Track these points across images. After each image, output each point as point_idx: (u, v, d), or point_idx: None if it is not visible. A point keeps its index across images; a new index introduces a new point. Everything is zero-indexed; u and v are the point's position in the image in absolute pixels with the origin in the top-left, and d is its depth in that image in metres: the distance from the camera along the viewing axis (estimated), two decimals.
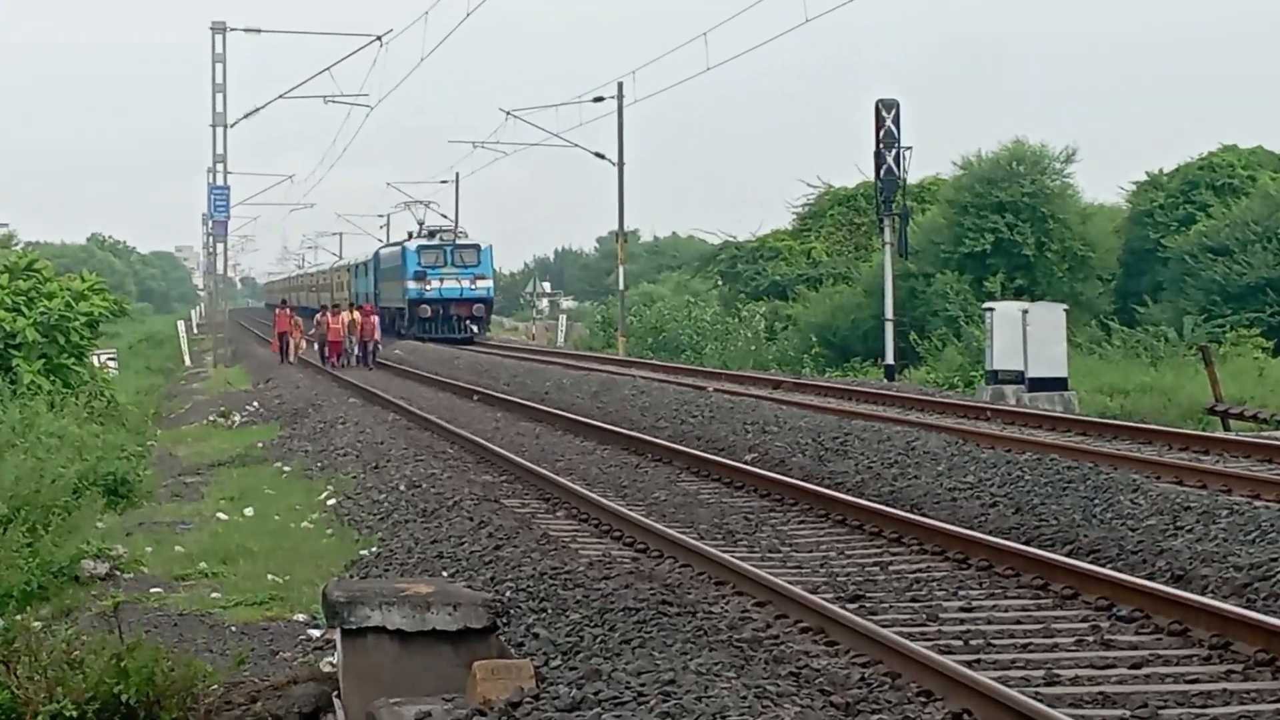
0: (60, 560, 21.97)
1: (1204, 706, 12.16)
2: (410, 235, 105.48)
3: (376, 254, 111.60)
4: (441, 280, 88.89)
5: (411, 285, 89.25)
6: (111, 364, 55.91)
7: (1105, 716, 11.74)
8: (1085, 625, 14.93)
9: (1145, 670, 13.28)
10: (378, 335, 72.00)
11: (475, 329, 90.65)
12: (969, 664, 13.03)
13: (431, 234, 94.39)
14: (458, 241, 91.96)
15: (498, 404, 43.12)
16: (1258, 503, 20.85)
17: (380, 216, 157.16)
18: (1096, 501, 21.02)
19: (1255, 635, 13.56)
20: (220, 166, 76.98)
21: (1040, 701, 11.58)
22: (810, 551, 19.36)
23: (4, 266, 43.84)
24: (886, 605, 16.05)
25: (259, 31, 76.32)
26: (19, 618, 17.53)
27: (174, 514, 27.47)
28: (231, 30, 74.99)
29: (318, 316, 72.77)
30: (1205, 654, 13.68)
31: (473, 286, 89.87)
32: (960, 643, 14.23)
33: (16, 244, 70.04)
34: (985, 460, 25.11)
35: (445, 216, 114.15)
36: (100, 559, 22.58)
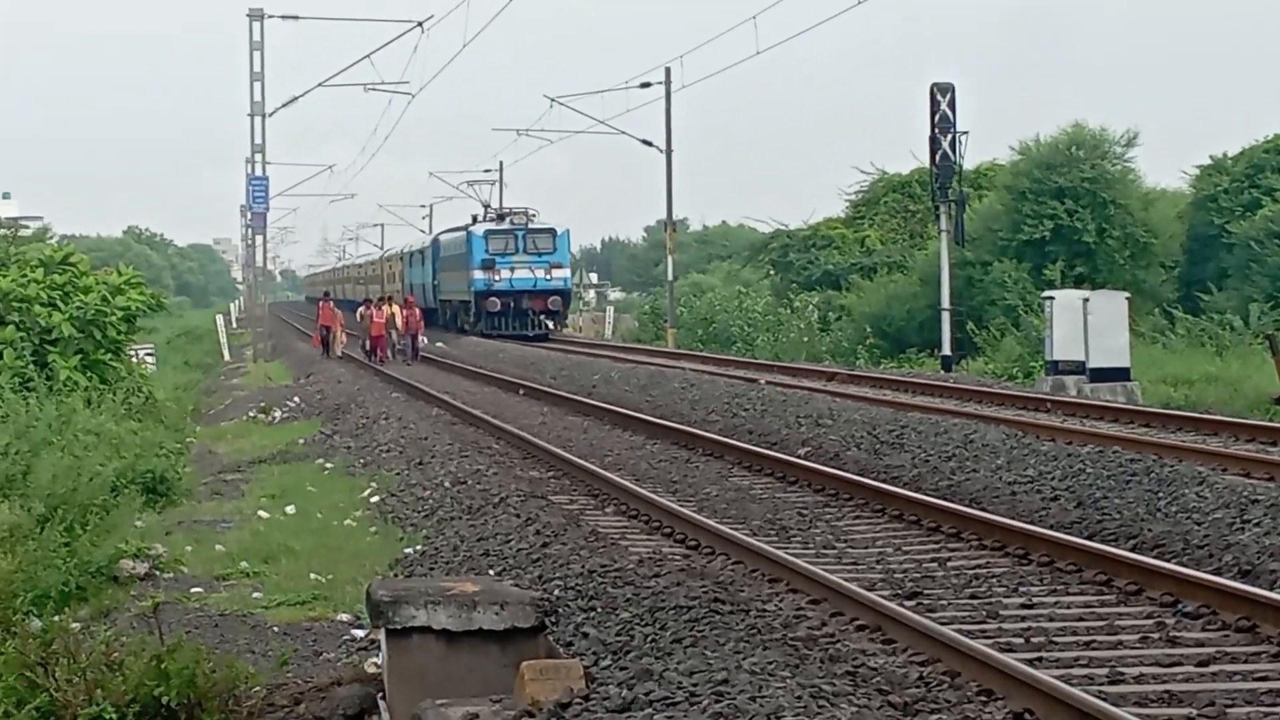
0: (98, 560, 22.05)
1: (1273, 705, 12.12)
2: (475, 219, 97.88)
3: (436, 240, 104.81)
4: (512, 270, 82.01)
5: (478, 275, 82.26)
6: (149, 359, 56.12)
7: (1171, 716, 11.70)
8: (1150, 622, 14.89)
9: (1212, 668, 13.24)
10: (421, 329, 72.20)
11: (551, 325, 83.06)
12: (1031, 662, 13.01)
13: (500, 217, 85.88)
14: (530, 225, 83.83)
15: (544, 398, 43.16)
16: None
17: (423, 207, 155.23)
18: (1161, 495, 20.97)
19: None
20: (259, 157, 76.98)
21: (1105, 700, 11.55)
22: (866, 547, 19.35)
23: (40, 260, 43.94)
24: (945, 602, 16.03)
25: (297, 18, 76.27)
26: (57, 619, 17.57)
27: (214, 512, 27.57)
28: (269, 17, 74.99)
29: (360, 310, 72.80)
30: (1275, 651, 13.64)
31: (548, 276, 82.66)
32: (1021, 640, 14.21)
33: (52, 238, 69.92)
34: (1045, 453, 25.07)
35: (488, 207, 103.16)
36: (139, 558, 22.68)
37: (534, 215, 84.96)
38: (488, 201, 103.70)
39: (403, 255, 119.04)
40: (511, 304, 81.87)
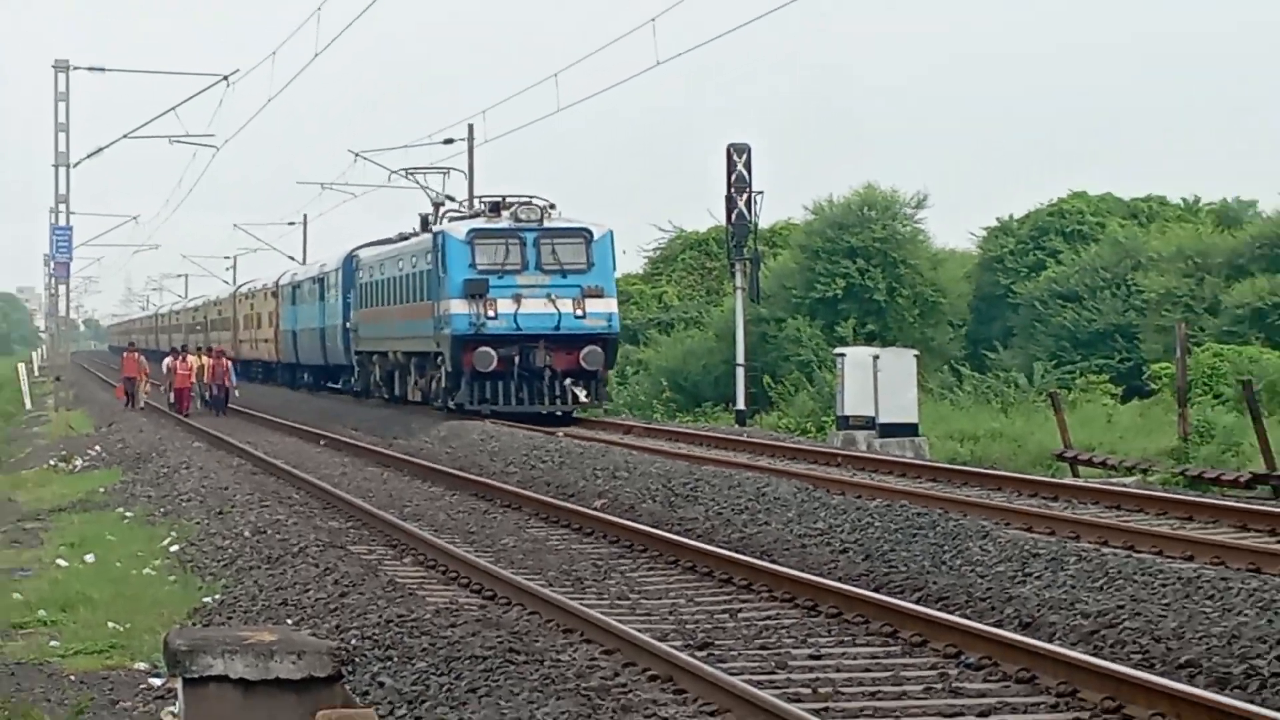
0: None
1: None
2: (431, 217, 61.02)
3: (350, 259, 68.01)
4: (519, 300, 46.79)
5: (458, 309, 46.76)
6: None
7: None
8: (934, 673, 15.02)
9: (993, 718, 13.39)
10: (231, 381, 68.16)
11: (583, 395, 48.05)
12: (817, 713, 13.09)
13: (495, 207, 49.90)
14: (547, 223, 48.21)
15: (344, 448, 43.08)
16: (1105, 549, 21.04)
17: (227, 258, 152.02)
18: (946, 548, 21.18)
19: (1103, 683, 13.68)
20: (63, 207, 76.46)
21: None
22: (659, 599, 19.40)
23: None
24: (735, 653, 16.08)
25: (103, 70, 76.22)
26: None
27: (12, 561, 27.20)
28: (75, 69, 74.82)
29: (166, 361, 71.62)
30: (1053, 701, 13.80)
31: (578, 312, 46.73)
32: (809, 690, 14.28)
33: None
34: (835, 506, 25.25)
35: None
36: None
37: (551, 207, 49.67)
38: (440, 197, 64.87)
39: (276, 289, 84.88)
40: (517, 359, 47.32)
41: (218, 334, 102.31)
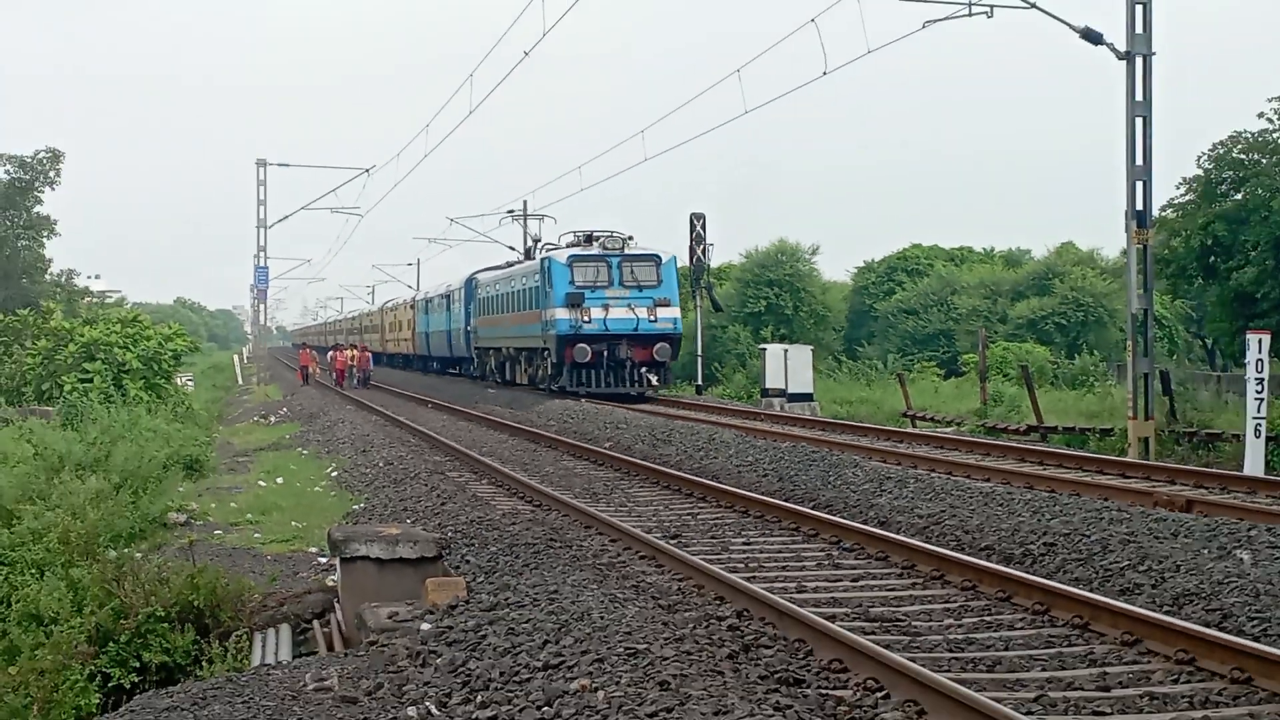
0: (154, 512, 21.89)
1: (898, 605, 12.29)
2: (533, 247, 59.73)
3: (471, 281, 62.66)
4: (607, 308, 44.62)
5: (562, 315, 44.43)
6: (189, 383, 55.39)
7: (835, 613, 11.82)
8: (822, 554, 15.02)
9: (861, 583, 13.39)
10: (370, 366, 67.63)
11: (654, 380, 45.44)
12: (748, 579, 13.11)
13: (589, 238, 47.09)
14: (628, 250, 45.93)
15: (444, 409, 42.88)
16: (933, 474, 21.03)
17: (368, 288, 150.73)
18: (830, 473, 21.15)
19: (931, 560, 13.72)
20: (262, 253, 76.70)
21: (792, 603, 11.66)
22: (646, 506, 19.35)
23: (119, 319, 44.35)
24: (695, 541, 16.07)
25: (288, 165, 76.74)
26: (126, 550, 17.36)
27: (230, 482, 27.21)
28: (270, 165, 75.49)
29: (330, 353, 71.79)
30: (899, 571, 13.82)
31: (651, 318, 44.75)
32: (743, 565, 14.30)
33: (127, 303, 69.55)
34: (760, 446, 25.19)
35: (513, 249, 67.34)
36: (180, 512, 22.50)
37: (629, 238, 46.78)
38: (538, 237, 61.29)
39: (413, 303, 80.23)
40: (605, 353, 44.85)
41: (369, 335, 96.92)
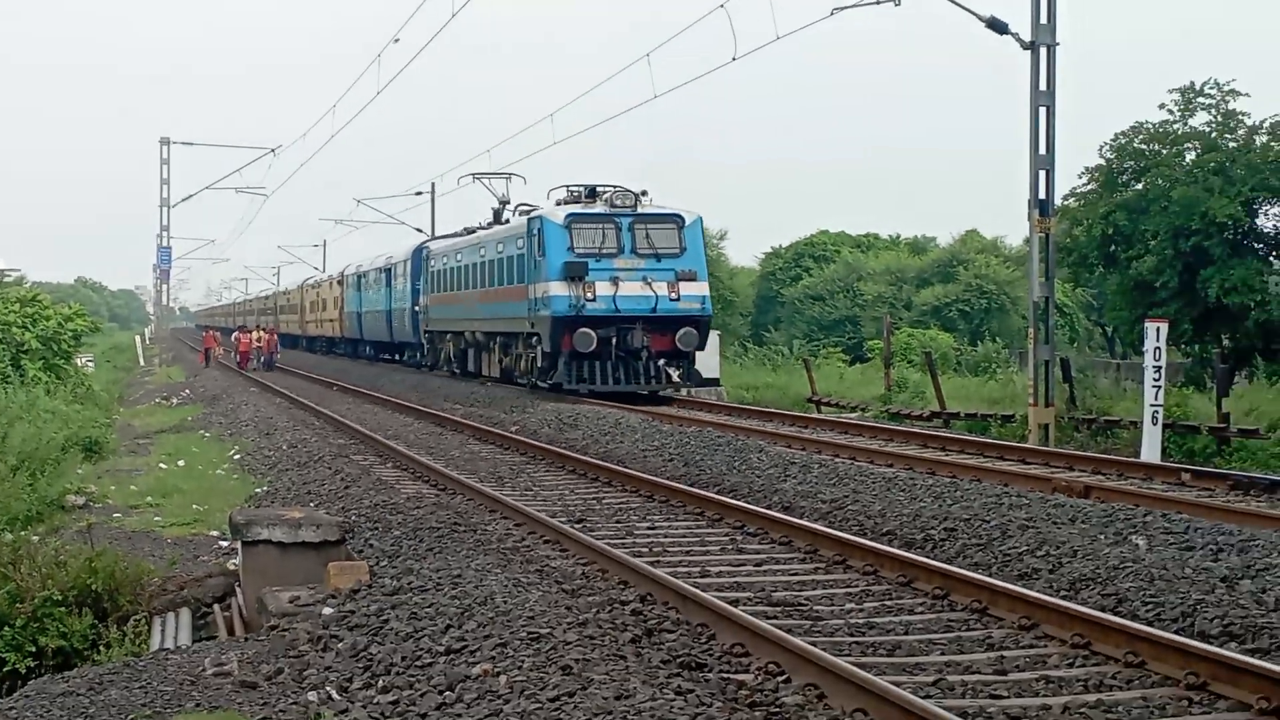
0: (51, 495, 21.70)
1: (801, 589, 12.37)
2: (502, 208, 47.08)
3: (420, 251, 52.94)
4: (616, 283, 34.58)
5: (558, 291, 34.77)
6: (89, 364, 54.57)
7: (738, 597, 11.87)
8: (726, 539, 15.07)
9: (764, 568, 13.46)
10: (277, 350, 65.80)
11: (675, 374, 35.76)
12: (652, 563, 13.15)
13: (591, 193, 36.79)
14: (640, 209, 35.71)
15: (349, 393, 42.58)
16: (837, 459, 21.21)
17: (273, 269, 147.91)
18: (735, 458, 21.23)
19: (834, 545, 13.81)
20: (165, 233, 76.35)
21: (696, 587, 11.70)
22: (552, 490, 19.31)
23: (18, 299, 43.79)
24: (600, 525, 16.07)
25: (192, 144, 76.51)
26: (23, 533, 17.12)
27: (130, 464, 26.91)
28: (174, 143, 74.85)
29: (234, 335, 70.86)
30: (803, 556, 13.89)
31: (673, 295, 34.84)
32: (647, 549, 14.32)
33: (26, 282, 68.98)
34: (665, 431, 25.25)
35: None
36: (79, 494, 22.31)
37: (643, 193, 36.62)
38: (505, 199, 47.98)
39: (341, 278, 68.38)
40: (615, 340, 35.01)
41: (285, 316, 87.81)
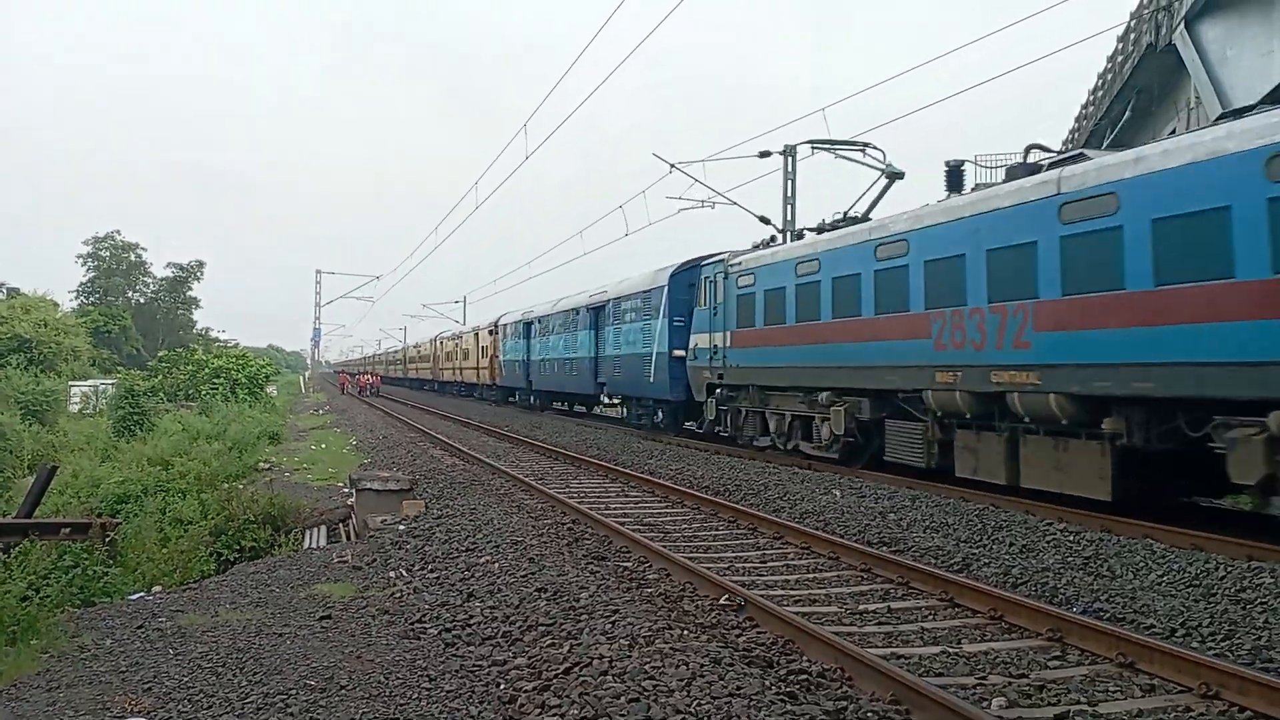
0: (250, 462, 21.16)
1: (658, 516, 12.17)
2: (958, 170, 11.46)
3: (698, 269, 18.17)
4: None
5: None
6: (274, 392, 53.58)
7: (625, 520, 11.69)
8: (618, 489, 14.66)
9: (640, 504, 13.12)
10: (379, 384, 63.22)
11: None
12: (579, 502, 12.99)
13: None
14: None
15: (430, 411, 41.87)
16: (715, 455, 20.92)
17: (400, 329, 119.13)
18: (624, 446, 20.90)
19: (676, 492, 13.52)
20: (318, 319, 75.17)
21: (601, 515, 11.60)
22: (530, 464, 18.88)
23: (234, 356, 43.27)
24: (556, 481, 15.74)
25: (333, 273, 76.25)
26: (234, 484, 16.79)
27: (294, 447, 26.27)
28: (327, 274, 74.32)
29: (357, 376, 69.56)
30: (660, 498, 13.58)
31: None
32: (577, 495, 14.01)
33: (239, 346, 68.03)
34: (595, 427, 24.82)
35: None
36: (265, 462, 21.73)
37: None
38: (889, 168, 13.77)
39: (495, 327, 39.91)
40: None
41: (416, 365, 64.62)
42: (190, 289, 75.18)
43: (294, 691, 6.08)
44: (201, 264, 76.12)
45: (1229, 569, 8.02)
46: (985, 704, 5.65)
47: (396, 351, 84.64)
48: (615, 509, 12.83)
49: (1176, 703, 5.60)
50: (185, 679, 6.42)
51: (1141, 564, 8.40)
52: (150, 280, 73.20)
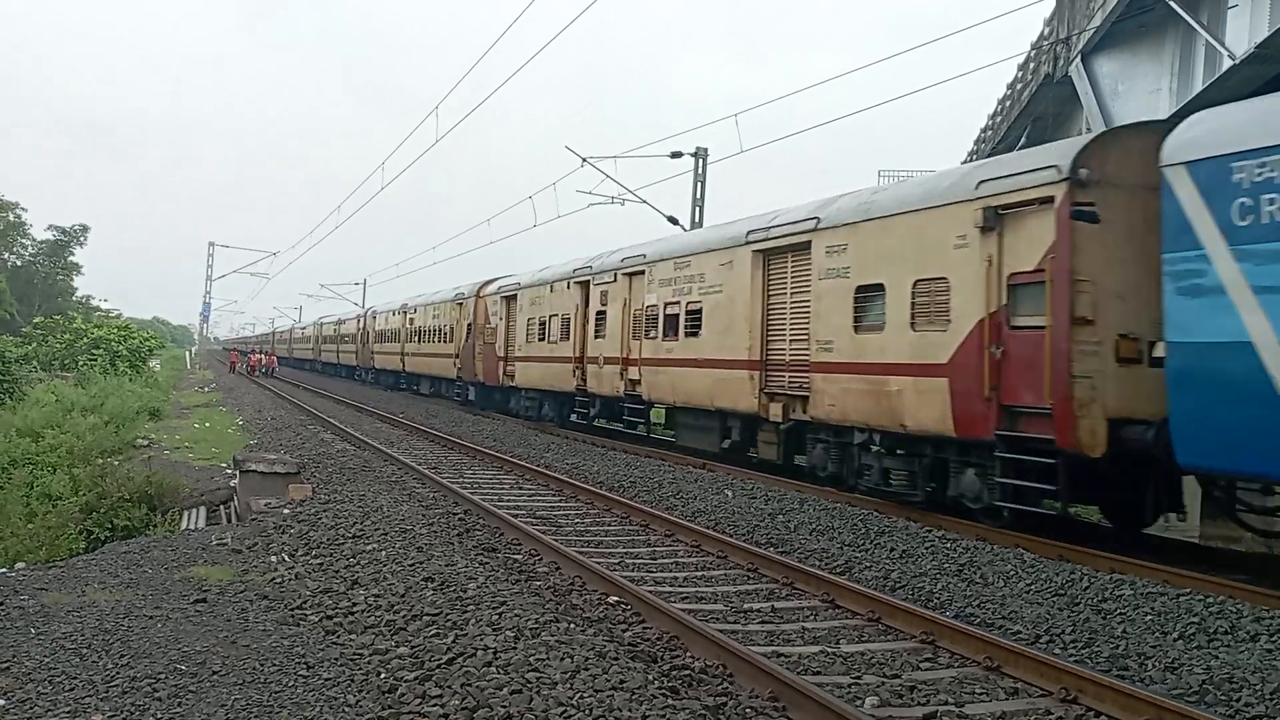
0: (127, 438, 20.37)
1: (552, 510, 12.19)
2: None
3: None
4: None
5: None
6: (157, 366, 51.39)
7: (518, 513, 11.66)
8: (513, 480, 14.66)
9: (534, 497, 13.11)
10: (275, 365, 60.22)
11: None
12: (472, 492, 12.92)
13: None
14: None
15: (317, 393, 40.82)
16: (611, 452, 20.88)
17: (296, 307, 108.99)
18: (523, 437, 20.82)
19: (571, 486, 13.57)
20: (209, 294, 72.68)
21: (495, 507, 11.51)
22: (424, 453, 18.67)
23: (116, 325, 41.52)
24: (450, 470, 15.67)
25: (227, 246, 73.49)
26: (109, 460, 16.07)
27: (176, 424, 25.33)
28: (221, 246, 71.75)
29: (249, 355, 67.02)
30: (555, 492, 13.63)
31: None
32: (471, 485, 14.01)
33: (122, 317, 64.92)
34: (493, 420, 24.60)
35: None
36: (144, 439, 20.94)
37: None
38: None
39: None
40: None
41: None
42: (72, 254, 71.98)
43: (163, 676, 5.82)
44: (86, 228, 72.05)
45: (1093, 580, 8.41)
46: (859, 703, 5.78)
47: (284, 331, 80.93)
48: (508, 501, 12.76)
49: (1038, 706, 5.82)
50: (46, 659, 6.09)
51: (1012, 572, 8.78)
52: (29, 243, 69.50)
